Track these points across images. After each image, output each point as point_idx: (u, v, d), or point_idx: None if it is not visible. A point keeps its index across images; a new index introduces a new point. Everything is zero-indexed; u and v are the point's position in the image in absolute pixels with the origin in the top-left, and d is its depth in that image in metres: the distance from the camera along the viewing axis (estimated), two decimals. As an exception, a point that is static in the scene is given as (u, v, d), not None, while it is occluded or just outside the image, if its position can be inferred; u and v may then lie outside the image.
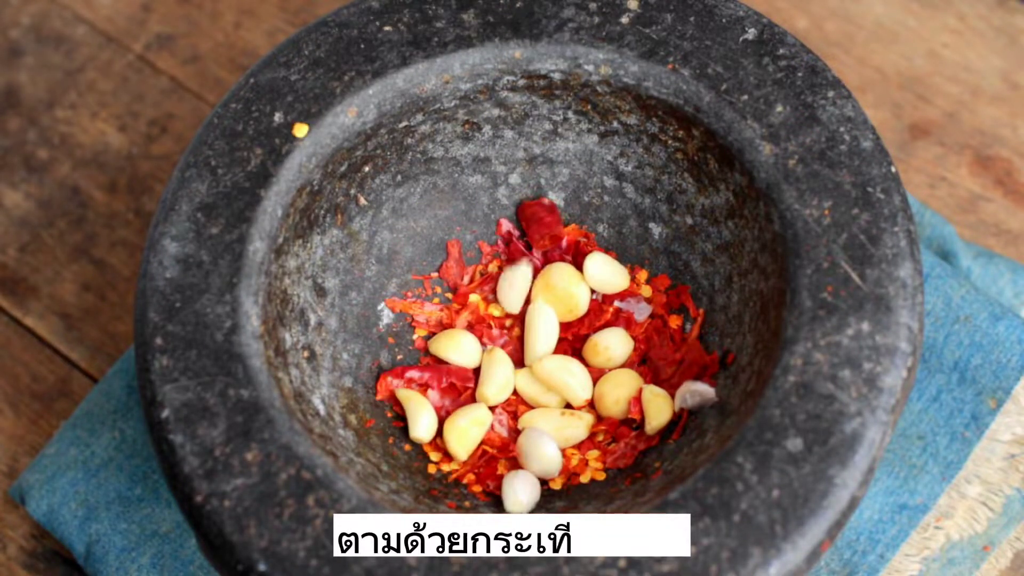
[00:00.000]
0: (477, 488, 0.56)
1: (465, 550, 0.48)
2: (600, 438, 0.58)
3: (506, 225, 0.61)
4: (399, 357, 0.60)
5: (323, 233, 0.58)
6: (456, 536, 0.49)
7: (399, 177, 0.60)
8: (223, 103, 0.57)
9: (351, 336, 0.59)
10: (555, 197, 0.61)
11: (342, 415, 0.56)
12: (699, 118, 0.56)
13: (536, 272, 0.61)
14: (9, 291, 0.69)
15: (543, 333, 0.59)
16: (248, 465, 0.50)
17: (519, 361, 0.60)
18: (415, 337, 0.60)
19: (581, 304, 0.60)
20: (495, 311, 0.61)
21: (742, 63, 0.56)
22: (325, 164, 0.56)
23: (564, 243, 0.61)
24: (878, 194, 0.53)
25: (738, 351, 0.55)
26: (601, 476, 0.56)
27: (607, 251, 0.61)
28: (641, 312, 0.59)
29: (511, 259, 0.61)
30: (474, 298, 0.61)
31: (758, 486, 0.48)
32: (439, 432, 0.58)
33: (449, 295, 0.61)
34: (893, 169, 0.54)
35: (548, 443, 0.56)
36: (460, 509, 0.54)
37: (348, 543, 0.49)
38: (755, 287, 0.55)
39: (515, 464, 0.57)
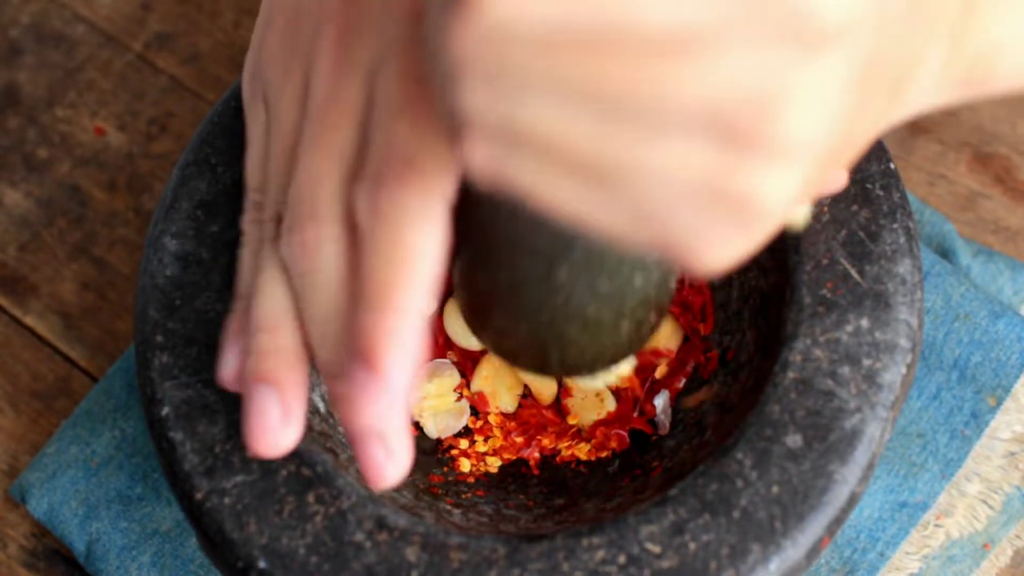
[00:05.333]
0: (471, 480, 0.56)
1: (465, 546, 0.49)
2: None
3: None
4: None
5: (323, 231, 0.58)
6: (456, 532, 0.49)
7: (399, 175, 0.60)
8: (223, 101, 0.57)
9: (351, 334, 0.59)
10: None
11: (342, 413, 0.56)
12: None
13: None
14: (9, 290, 0.69)
15: None
16: (248, 462, 0.50)
17: None
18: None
19: None
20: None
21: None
22: (325, 162, 0.56)
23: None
24: (877, 191, 0.53)
25: (738, 348, 0.55)
26: (584, 454, 0.57)
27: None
28: None
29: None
30: None
31: (758, 482, 0.48)
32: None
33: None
34: (892, 166, 0.54)
35: None
36: (459, 506, 0.54)
37: (348, 540, 0.49)
38: (754, 284, 0.55)
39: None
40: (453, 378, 0.58)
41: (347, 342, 0.43)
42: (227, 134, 0.56)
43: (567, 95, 0.33)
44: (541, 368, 0.52)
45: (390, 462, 0.43)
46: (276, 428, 0.45)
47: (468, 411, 0.58)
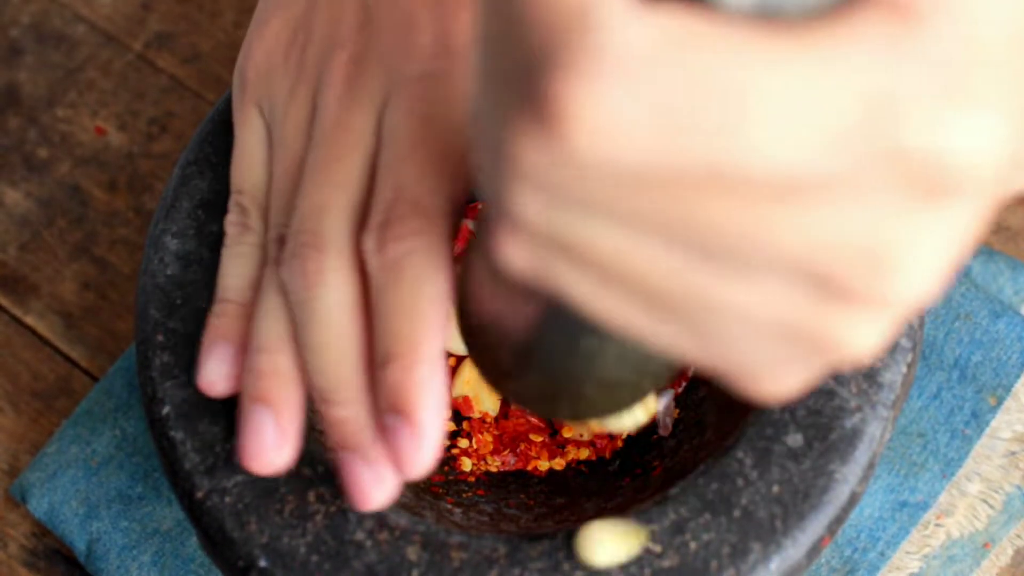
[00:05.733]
0: (472, 479, 0.56)
1: (466, 546, 0.49)
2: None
3: None
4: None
5: (323, 230, 0.58)
6: (457, 531, 0.49)
7: (399, 175, 0.60)
8: (223, 101, 0.57)
9: (351, 333, 0.59)
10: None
11: (343, 412, 0.56)
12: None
13: None
14: (10, 290, 0.69)
15: None
16: (249, 461, 0.50)
17: None
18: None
19: None
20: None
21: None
22: (325, 161, 0.56)
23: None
24: (878, 190, 0.53)
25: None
26: (587, 454, 0.57)
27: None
28: None
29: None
30: None
31: (758, 481, 0.48)
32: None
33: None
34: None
35: None
36: (460, 505, 0.54)
37: (349, 539, 0.49)
38: (755, 283, 0.55)
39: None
40: None
41: (373, 392, 0.44)
42: (228, 133, 0.56)
43: (643, 229, 0.29)
44: (549, 414, 0.51)
45: (379, 488, 0.45)
46: (271, 448, 0.46)
47: (449, 414, 0.58)
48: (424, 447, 0.43)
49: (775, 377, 0.33)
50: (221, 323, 0.49)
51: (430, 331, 0.43)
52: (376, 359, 0.44)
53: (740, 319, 0.31)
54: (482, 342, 0.46)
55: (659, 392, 0.51)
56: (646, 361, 0.44)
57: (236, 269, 0.50)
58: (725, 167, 0.28)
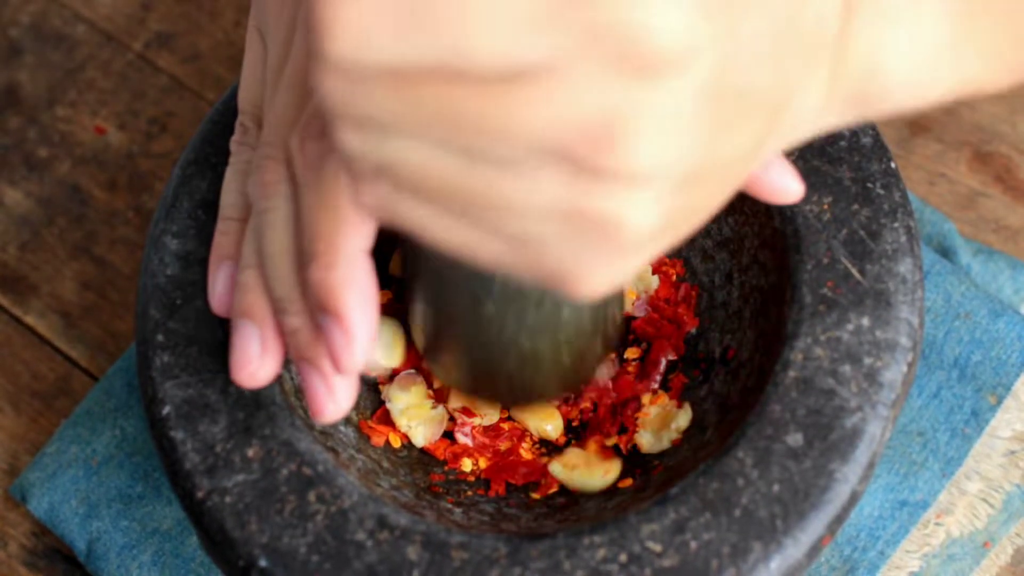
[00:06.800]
0: (472, 479, 0.56)
1: (467, 545, 0.49)
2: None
3: None
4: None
5: (323, 230, 0.58)
6: (457, 532, 0.49)
7: (399, 174, 0.60)
8: (223, 101, 0.57)
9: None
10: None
11: (343, 412, 0.56)
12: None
13: None
14: (9, 289, 0.69)
15: None
16: (249, 461, 0.50)
17: None
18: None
19: None
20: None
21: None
22: (325, 161, 0.56)
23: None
24: (878, 190, 0.53)
25: (738, 347, 0.55)
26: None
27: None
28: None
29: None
30: None
31: (759, 481, 0.48)
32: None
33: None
34: (893, 165, 0.54)
35: None
36: (460, 504, 0.54)
37: (349, 539, 0.49)
38: (755, 283, 0.55)
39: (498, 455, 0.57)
40: (422, 385, 0.58)
41: (305, 293, 0.45)
42: (228, 133, 0.56)
43: (423, 131, 0.33)
44: (494, 398, 0.53)
45: (330, 400, 0.46)
46: (256, 361, 0.47)
47: (446, 417, 0.57)
48: (355, 342, 0.43)
49: (583, 271, 0.36)
50: (224, 241, 0.50)
51: (349, 228, 0.43)
52: (303, 261, 0.45)
53: (523, 211, 0.35)
54: (425, 329, 0.50)
55: (591, 376, 0.53)
56: (552, 327, 0.48)
57: (235, 186, 0.50)
58: (452, 59, 0.32)
